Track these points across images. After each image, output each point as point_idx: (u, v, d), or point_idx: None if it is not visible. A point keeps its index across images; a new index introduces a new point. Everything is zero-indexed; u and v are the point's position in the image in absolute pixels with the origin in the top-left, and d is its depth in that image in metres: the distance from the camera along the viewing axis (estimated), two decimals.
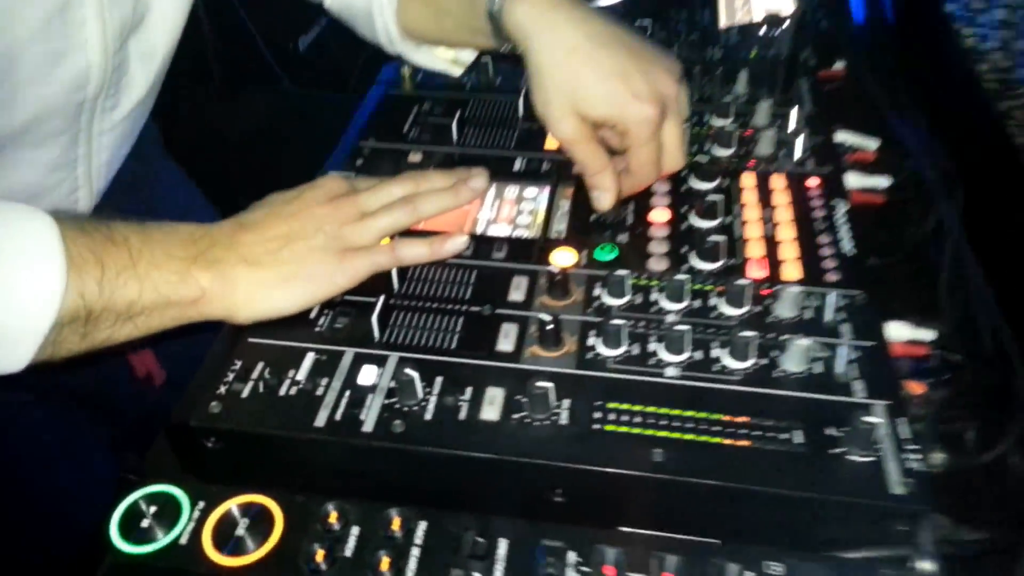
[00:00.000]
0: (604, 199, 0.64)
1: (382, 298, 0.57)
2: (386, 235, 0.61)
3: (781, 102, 0.77)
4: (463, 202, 0.65)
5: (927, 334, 0.59)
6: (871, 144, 0.78)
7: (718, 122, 0.76)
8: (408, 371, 0.50)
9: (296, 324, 0.57)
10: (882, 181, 0.73)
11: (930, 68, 0.87)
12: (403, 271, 0.60)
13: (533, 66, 0.63)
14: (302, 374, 0.53)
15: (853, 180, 0.71)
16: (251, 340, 0.56)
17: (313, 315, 0.58)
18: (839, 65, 0.89)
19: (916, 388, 0.57)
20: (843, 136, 0.77)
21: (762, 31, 0.88)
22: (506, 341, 0.55)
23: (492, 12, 0.65)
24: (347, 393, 0.52)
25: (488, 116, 0.78)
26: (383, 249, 0.59)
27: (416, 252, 0.60)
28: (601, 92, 0.61)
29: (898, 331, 0.58)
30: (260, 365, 0.54)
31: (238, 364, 0.54)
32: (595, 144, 0.64)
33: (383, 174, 0.69)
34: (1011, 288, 0.62)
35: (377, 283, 0.59)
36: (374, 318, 0.55)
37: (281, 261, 0.55)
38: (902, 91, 0.84)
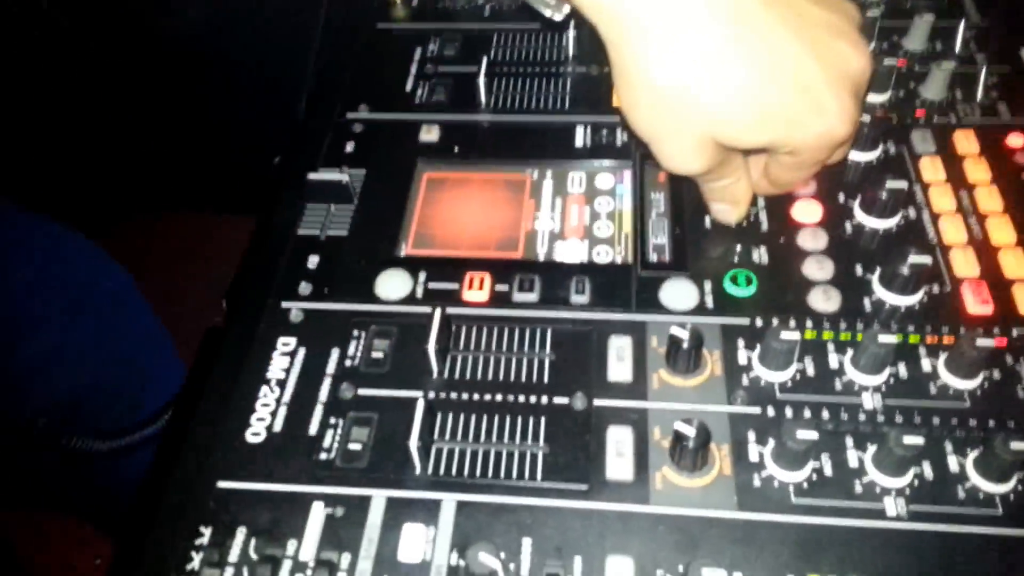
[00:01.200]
0: (732, 213, 0.43)
1: (421, 400, 0.36)
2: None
3: (936, 10, 0.54)
4: None
5: None
6: None
7: None
8: (484, 558, 0.31)
9: (291, 447, 0.37)
10: None
11: None
12: (444, 340, 0.39)
13: (630, 72, 0.37)
14: (309, 547, 0.34)
15: None
16: (221, 485, 0.36)
17: (314, 430, 0.37)
18: None
19: None
20: None
21: None
22: (619, 462, 0.35)
23: None
24: None
25: (523, 59, 0.55)
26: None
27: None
28: (764, 114, 0.36)
29: None
30: (240, 534, 0.34)
31: (206, 535, 0.34)
32: (728, 159, 0.40)
33: (392, 167, 0.48)
34: None
35: (408, 367, 0.39)
36: (412, 443, 0.35)
37: None
38: None
